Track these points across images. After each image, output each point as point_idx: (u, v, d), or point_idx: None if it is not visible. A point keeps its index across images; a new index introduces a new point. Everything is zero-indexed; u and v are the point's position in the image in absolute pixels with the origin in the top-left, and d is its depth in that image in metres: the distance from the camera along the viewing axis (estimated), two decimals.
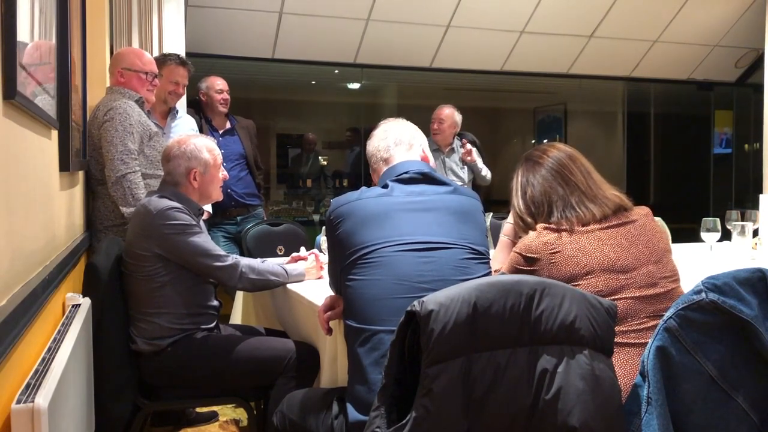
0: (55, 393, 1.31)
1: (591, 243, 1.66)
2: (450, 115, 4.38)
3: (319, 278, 2.42)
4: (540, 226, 1.73)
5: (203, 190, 2.33)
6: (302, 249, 2.61)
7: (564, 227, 1.69)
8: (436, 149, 4.36)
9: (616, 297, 1.60)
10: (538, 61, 5.53)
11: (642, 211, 1.78)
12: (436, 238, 1.66)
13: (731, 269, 1.43)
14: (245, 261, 2.29)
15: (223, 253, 2.25)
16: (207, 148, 2.33)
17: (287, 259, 2.59)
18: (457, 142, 4.45)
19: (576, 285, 1.61)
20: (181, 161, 2.29)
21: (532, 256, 1.68)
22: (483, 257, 1.72)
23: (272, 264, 2.36)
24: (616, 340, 1.56)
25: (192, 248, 2.19)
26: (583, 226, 1.69)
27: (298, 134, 7.16)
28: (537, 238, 1.70)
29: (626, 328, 1.59)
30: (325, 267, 2.17)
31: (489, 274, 1.71)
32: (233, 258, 2.26)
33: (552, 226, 1.71)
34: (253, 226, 3.57)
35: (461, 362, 1.20)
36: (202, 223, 2.39)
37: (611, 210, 1.72)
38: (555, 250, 1.66)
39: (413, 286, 1.60)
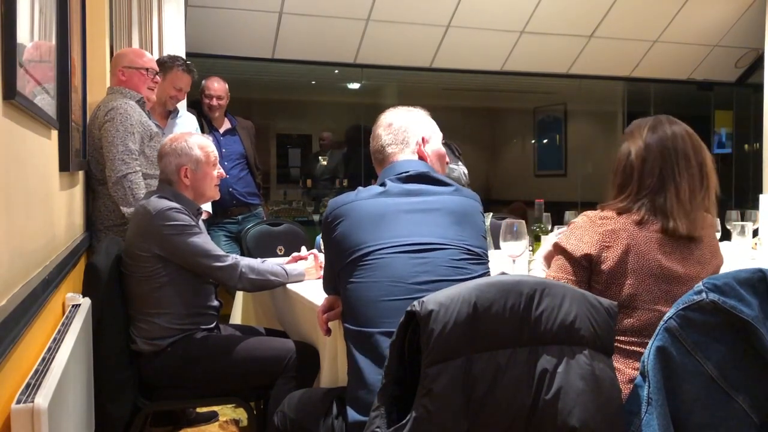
0: (55, 393, 1.31)
1: (647, 244, 1.61)
2: None
3: (318, 278, 2.42)
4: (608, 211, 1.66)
5: (196, 187, 2.32)
6: (303, 249, 2.60)
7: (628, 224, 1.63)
8: None
9: (652, 307, 1.58)
10: (538, 61, 5.52)
11: (707, 221, 1.70)
12: (431, 238, 1.66)
13: (731, 269, 1.43)
14: (245, 261, 2.29)
15: (222, 253, 2.25)
16: (199, 145, 2.32)
17: (287, 259, 2.59)
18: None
19: (618, 284, 1.60)
20: (172, 158, 2.29)
21: (586, 254, 1.62)
22: (480, 258, 1.71)
23: (272, 264, 2.36)
24: (640, 350, 1.54)
25: (191, 249, 2.19)
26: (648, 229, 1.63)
27: (298, 134, 7.15)
28: (593, 230, 1.63)
29: (648, 341, 1.57)
30: None
31: (486, 274, 1.71)
32: (233, 258, 2.26)
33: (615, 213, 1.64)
34: (253, 226, 3.58)
35: (461, 362, 1.20)
36: (201, 223, 2.38)
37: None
38: (608, 245, 1.61)
39: (408, 287, 1.59)
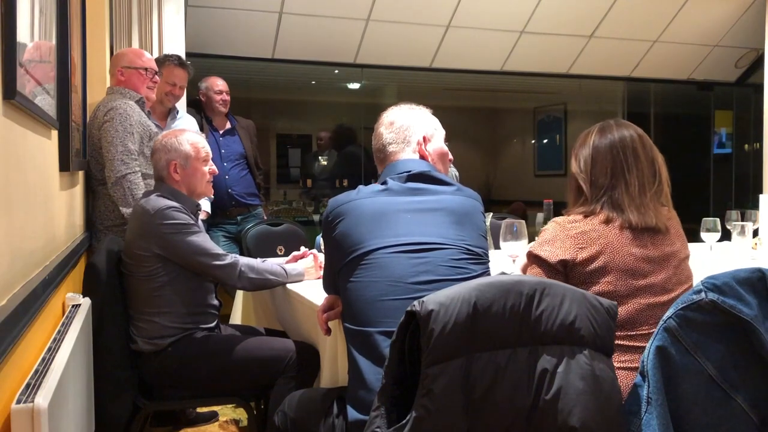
0: (55, 393, 1.31)
1: (618, 240, 1.64)
2: None
3: (318, 278, 2.41)
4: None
5: (187, 183, 2.31)
6: (302, 248, 2.60)
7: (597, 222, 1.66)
8: None
9: (632, 300, 1.60)
10: (538, 61, 5.52)
11: (668, 214, 1.74)
12: (431, 238, 1.66)
13: (731, 269, 1.43)
14: (244, 260, 2.29)
15: (222, 252, 2.25)
16: (189, 141, 2.32)
17: (287, 258, 2.58)
18: None
19: (595, 283, 1.61)
20: (162, 154, 2.30)
21: (561, 260, 1.64)
22: (479, 258, 1.71)
23: (272, 263, 2.36)
24: (625, 343, 1.57)
25: (191, 247, 2.19)
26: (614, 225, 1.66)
27: (298, 134, 7.15)
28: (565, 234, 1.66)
29: (635, 333, 1.59)
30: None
31: (486, 273, 1.71)
32: (232, 257, 2.26)
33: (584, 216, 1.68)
34: (253, 226, 3.58)
35: (461, 362, 1.20)
36: (200, 222, 2.38)
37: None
38: (582, 246, 1.63)
39: (407, 287, 1.59)
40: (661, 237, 1.68)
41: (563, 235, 1.66)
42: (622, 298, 1.60)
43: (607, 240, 1.63)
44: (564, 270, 1.65)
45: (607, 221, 1.66)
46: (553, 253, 1.65)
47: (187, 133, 2.37)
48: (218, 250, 2.25)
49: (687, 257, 1.74)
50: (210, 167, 2.36)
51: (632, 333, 1.59)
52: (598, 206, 1.69)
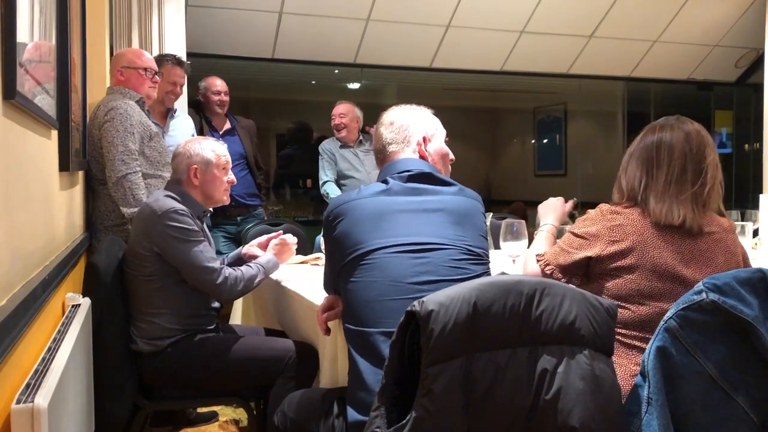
0: (55, 393, 1.31)
1: (654, 240, 1.63)
2: (351, 109, 4.28)
3: (292, 255, 2.49)
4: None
5: (205, 189, 2.33)
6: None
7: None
8: (343, 146, 4.30)
9: (654, 302, 1.59)
10: (538, 61, 5.52)
11: (724, 224, 1.71)
12: (431, 238, 1.66)
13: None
14: (230, 275, 2.22)
15: (216, 266, 2.19)
16: (212, 148, 2.34)
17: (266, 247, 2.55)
18: (364, 136, 4.36)
19: (618, 277, 1.62)
20: (183, 158, 2.31)
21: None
22: (480, 258, 1.71)
23: (247, 267, 2.32)
24: (641, 345, 1.56)
25: (186, 256, 2.16)
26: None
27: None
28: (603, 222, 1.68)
29: (650, 336, 1.57)
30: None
31: (486, 274, 1.71)
32: (222, 275, 2.20)
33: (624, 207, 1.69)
34: (253, 226, 3.58)
35: (461, 362, 1.20)
36: (205, 226, 2.38)
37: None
38: (616, 238, 1.64)
39: (407, 287, 1.59)
40: (698, 241, 1.65)
41: (601, 224, 1.67)
42: (643, 298, 1.59)
43: (641, 237, 1.63)
44: (588, 262, 1.67)
45: (643, 214, 1.66)
46: (581, 250, 1.68)
47: (209, 140, 2.40)
48: (212, 263, 2.19)
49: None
50: (229, 177, 2.38)
51: (649, 335, 1.54)
52: (630, 203, 1.71)
